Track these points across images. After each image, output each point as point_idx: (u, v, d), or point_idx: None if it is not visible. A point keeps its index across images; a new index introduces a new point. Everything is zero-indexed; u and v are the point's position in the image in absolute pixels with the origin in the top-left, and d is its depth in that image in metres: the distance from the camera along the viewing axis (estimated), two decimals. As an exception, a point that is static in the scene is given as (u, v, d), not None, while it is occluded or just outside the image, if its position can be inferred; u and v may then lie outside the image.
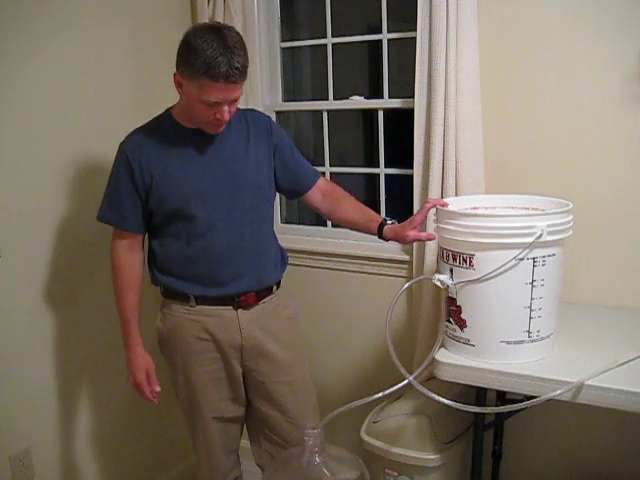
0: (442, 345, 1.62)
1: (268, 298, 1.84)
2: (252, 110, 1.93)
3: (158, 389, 1.81)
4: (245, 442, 1.98)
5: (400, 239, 1.75)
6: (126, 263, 1.77)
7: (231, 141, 1.76)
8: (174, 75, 1.64)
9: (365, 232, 1.87)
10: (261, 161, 1.80)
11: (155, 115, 1.80)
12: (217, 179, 1.72)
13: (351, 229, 1.94)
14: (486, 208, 1.70)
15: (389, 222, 1.78)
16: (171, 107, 1.79)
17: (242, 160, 1.76)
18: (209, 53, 1.53)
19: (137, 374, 1.78)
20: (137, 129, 1.77)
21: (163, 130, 1.74)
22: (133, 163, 1.70)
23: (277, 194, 1.92)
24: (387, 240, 1.80)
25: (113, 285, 1.79)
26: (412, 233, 1.68)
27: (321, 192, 1.91)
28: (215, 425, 1.85)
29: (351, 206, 1.89)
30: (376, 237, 1.83)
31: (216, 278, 1.75)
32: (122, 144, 1.74)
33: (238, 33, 1.62)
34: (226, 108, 1.62)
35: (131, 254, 1.78)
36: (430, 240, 1.65)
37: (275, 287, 1.87)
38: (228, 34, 1.57)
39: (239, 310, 1.78)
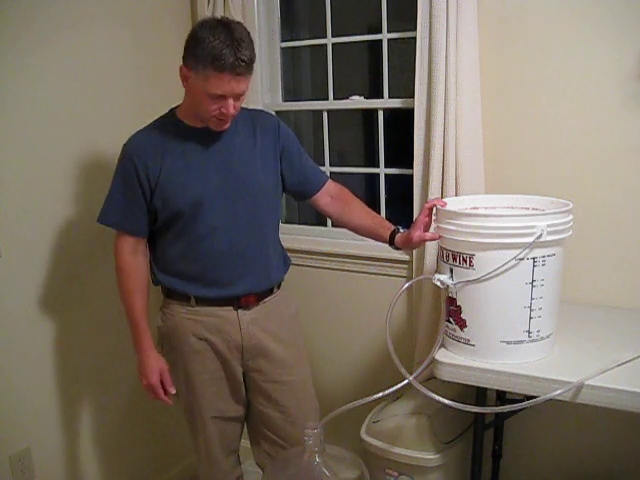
0: (442, 345, 1.62)
1: (268, 298, 1.84)
2: (260, 111, 1.90)
3: (173, 391, 1.79)
4: (245, 442, 1.98)
5: (408, 243, 1.71)
6: (132, 266, 1.75)
7: (237, 141, 1.75)
8: (180, 68, 1.63)
9: (373, 238, 1.85)
10: (267, 162, 1.78)
11: (156, 114, 1.78)
12: (221, 180, 1.71)
13: (359, 234, 1.91)
14: (486, 208, 1.69)
15: (402, 230, 1.76)
16: (175, 107, 1.77)
17: (247, 161, 1.75)
18: (215, 44, 1.53)
19: (151, 377, 1.76)
20: (140, 130, 1.75)
21: (167, 130, 1.72)
22: (138, 164, 1.68)
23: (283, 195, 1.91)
24: (397, 248, 1.78)
25: (120, 289, 1.77)
26: (417, 234, 1.66)
27: (329, 195, 1.90)
28: (214, 424, 1.85)
29: (361, 210, 1.87)
30: (381, 242, 1.82)
31: (217, 279, 1.75)
32: (126, 145, 1.72)
33: (246, 28, 1.62)
34: (231, 102, 1.60)
35: (136, 257, 1.76)
36: (434, 240, 1.65)
37: (276, 288, 1.87)
38: (235, 27, 1.58)
39: (239, 310, 1.78)
